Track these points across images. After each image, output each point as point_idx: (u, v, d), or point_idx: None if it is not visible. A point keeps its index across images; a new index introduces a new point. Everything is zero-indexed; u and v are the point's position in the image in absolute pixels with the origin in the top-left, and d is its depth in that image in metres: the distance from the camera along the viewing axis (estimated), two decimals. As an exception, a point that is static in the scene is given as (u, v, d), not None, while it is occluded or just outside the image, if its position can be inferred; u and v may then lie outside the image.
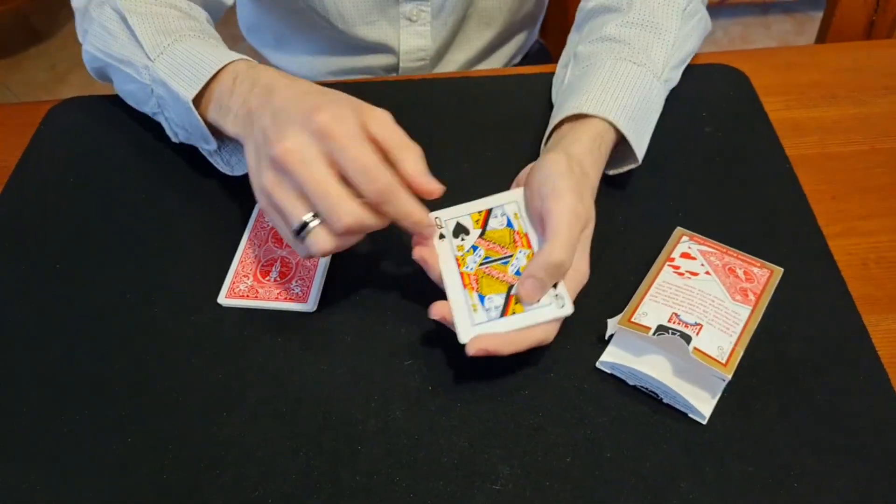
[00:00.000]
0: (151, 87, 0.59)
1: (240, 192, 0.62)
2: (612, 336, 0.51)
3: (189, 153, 0.64)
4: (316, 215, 0.47)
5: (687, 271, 0.51)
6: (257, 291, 0.55)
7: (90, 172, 0.65)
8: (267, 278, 0.56)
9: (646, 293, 0.51)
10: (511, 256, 0.50)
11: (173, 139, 0.62)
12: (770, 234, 0.57)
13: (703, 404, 0.47)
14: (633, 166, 0.59)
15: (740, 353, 0.47)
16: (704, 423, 0.47)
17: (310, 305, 0.54)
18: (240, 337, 0.53)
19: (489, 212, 0.53)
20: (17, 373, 0.52)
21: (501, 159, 0.64)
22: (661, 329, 0.48)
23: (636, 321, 0.49)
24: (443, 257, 0.51)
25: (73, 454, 0.48)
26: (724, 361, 0.46)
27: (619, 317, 0.50)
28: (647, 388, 0.49)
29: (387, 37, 0.77)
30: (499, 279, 0.49)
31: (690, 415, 0.48)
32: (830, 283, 0.54)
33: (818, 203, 0.59)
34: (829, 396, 0.48)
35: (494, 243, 0.51)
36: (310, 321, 0.54)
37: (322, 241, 0.47)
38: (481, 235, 0.52)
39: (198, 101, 0.56)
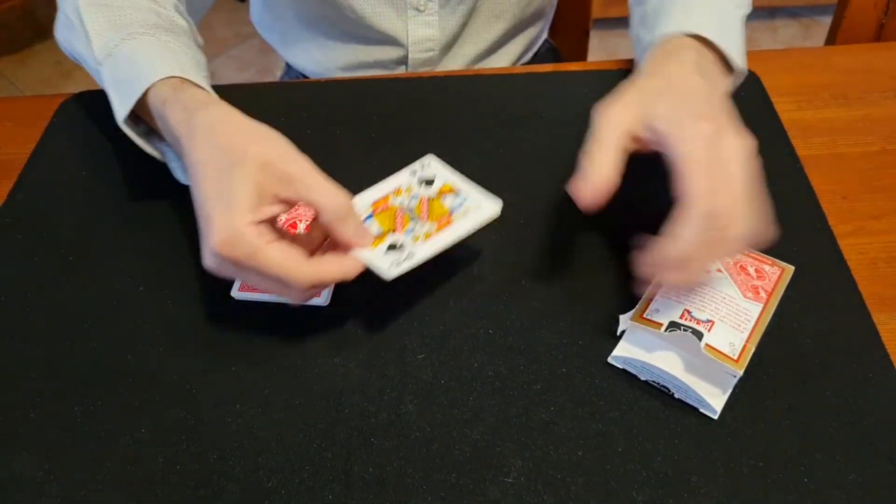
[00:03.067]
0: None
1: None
2: (623, 332, 0.51)
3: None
4: None
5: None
6: (270, 285, 0.55)
7: (103, 165, 0.65)
8: (279, 272, 0.56)
9: (658, 290, 0.51)
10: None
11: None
12: (780, 233, 0.57)
13: (714, 399, 0.47)
14: (740, 78, 0.58)
15: (752, 349, 0.47)
16: (716, 417, 0.48)
17: (323, 300, 0.54)
18: (252, 330, 0.53)
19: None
20: (31, 364, 0.52)
21: (511, 156, 0.64)
22: (673, 325, 0.48)
23: (648, 318, 0.49)
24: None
25: (87, 445, 0.48)
26: (735, 358, 0.47)
27: (630, 313, 0.50)
28: (658, 383, 0.49)
29: (395, 27, 0.77)
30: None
31: (702, 409, 0.48)
32: (841, 282, 0.54)
33: (828, 203, 0.59)
34: (839, 393, 0.49)
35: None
36: (323, 315, 0.54)
37: (292, 300, 0.50)
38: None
39: (143, 105, 0.55)
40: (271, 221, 0.48)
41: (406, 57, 0.80)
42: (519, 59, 0.90)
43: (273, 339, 0.53)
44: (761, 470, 0.45)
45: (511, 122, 0.67)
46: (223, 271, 0.47)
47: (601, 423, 0.48)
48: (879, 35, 0.87)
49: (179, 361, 0.52)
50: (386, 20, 0.76)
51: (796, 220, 0.58)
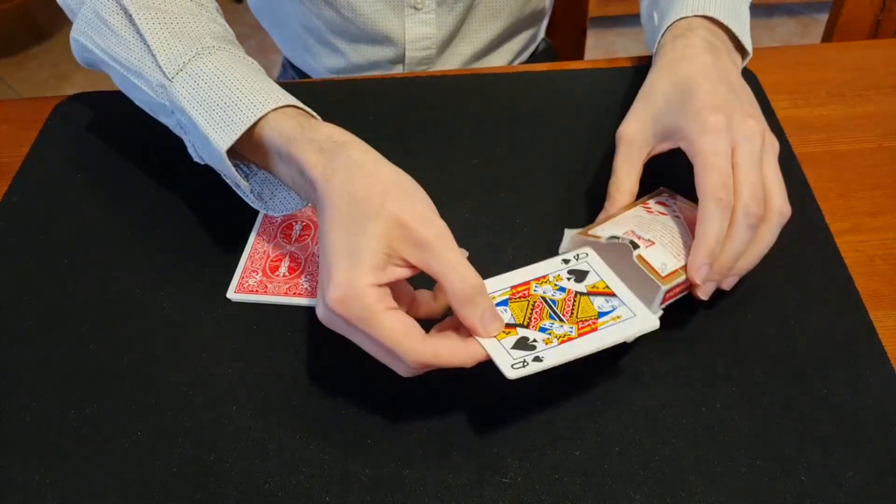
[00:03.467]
0: (171, 108, 0.53)
1: (248, 188, 0.62)
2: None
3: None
4: None
5: (657, 211, 0.52)
6: (266, 286, 0.55)
7: (98, 168, 0.65)
8: (276, 273, 0.56)
9: (609, 219, 0.52)
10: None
11: (196, 159, 0.55)
12: (777, 230, 0.57)
13: (643, 312, 0.47)
14: (746, 61, 0.60)
15: (682, 275, 0.48)
16: (652, 326, 0.46)
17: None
18: (249, 331, 0.53)
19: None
20: (26, 367, 0.52)
21: (509, 155, 0.64)
22: (613, 238, 0.49)
23: (592, 233, 0.50)
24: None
25: (83, 448, 0.48)
26: (663, 275, 0.47)
27: (576, 230, 0.51)
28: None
29: (392, 26, 0.77)
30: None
31: (637, 326, 0.46)
32: (838, 280, 0.54)
33: (825, 200, 0.59)
34: (836, 391, 0.49)
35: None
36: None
37: (401, 372, 0.46)
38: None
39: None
40: (393, 286, 0.45)
41: (403, 56, 0.80)
42: (516, 57, 0.90)
43: (269, 340, 0.53)
44: (758, 468, 0.45)
45: (509, 122, 0.67)
46: (335, 327, 0.45)
47: (598, 422, 0.48)
48: (876, 32, 0.87)
49: (176, 363, 0.52)
50: (383, 18, 0.76)
51: (793, 218, 0.58)
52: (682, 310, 0.53)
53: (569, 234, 0.51)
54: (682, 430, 0.47)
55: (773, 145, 0.51)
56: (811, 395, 0.48)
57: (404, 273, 0.44)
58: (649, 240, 0.49)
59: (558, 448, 0.47)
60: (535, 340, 0.45)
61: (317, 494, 0.45)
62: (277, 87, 0.51)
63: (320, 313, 0.45)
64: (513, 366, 0.43)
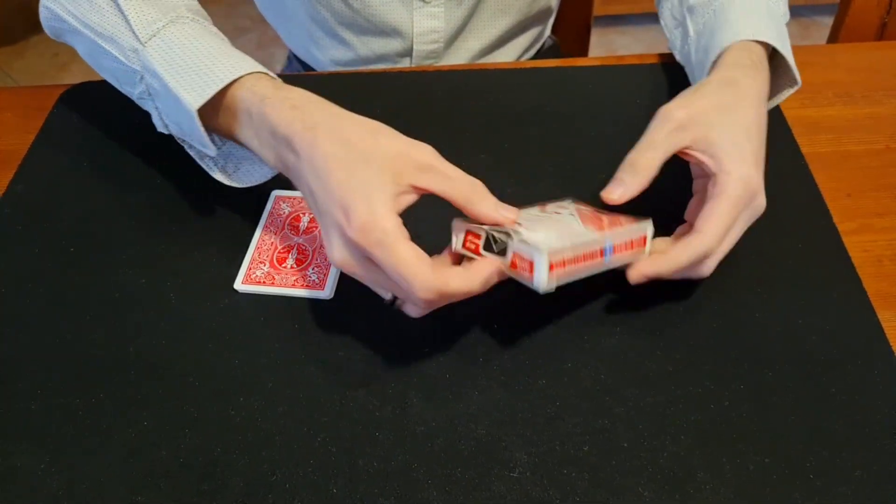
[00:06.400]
0: (142, 73, 0.54)
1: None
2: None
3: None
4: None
5: (552, 211, 0.51)
6: (273, 278, 0.55)
7: (104, 157, 0.65)
8: (283, 265, 0.56)
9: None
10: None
11: (160, 129, 0.57)
12: (785, 230, 0.57)
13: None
14: (793, 90, 0.60)
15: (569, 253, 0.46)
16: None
17: (326, 293, 0.54)
18: (256, 323, 0.53)
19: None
20: (32, 355, 0.52)
21: (517, 151, 0.64)
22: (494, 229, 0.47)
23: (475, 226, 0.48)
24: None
25: (89, 437, 0.48)
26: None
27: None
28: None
29: (400, 18, 0.77)
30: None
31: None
32: (845, 280, 0.54)
33: (833, 200, 0.59)
34: (844, 391, 0.49)
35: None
36: (326, 308, 0.54)
37: (412, 312, 0.48)
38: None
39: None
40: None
41: (410, 49, 0.80)
42: (523, 54, 0.90)
43: (276, 331, 0.52)
44: (767, 466, 0.45)
45: (516, 117, 0.67)
46: (350, 264, 0.46)
47: (607, 418, 0.48)
48: (882, 34, 0.87)
49: (182, 353, 0.51)
50: (391, 10, 0.76)
51: (801, 218, 0.58)
52: (689, 308, 0.53)
53: (455, 225, 0.49)
54: (691, 428, 0.47)
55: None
56: (819, 395, 0.48)
57: (413, 199, 0.46)
58: (534, 229, 0.47)
59: (566, 443, 0.47)
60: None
61: (324, 486, 0.45)
62: (251, 58, 0.53)
63: (336, 254, 0.46)
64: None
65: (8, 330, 0.53)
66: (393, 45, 0.80)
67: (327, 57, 0.83)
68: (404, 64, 0.82)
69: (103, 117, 0.68)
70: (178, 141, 0.58)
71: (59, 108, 0.70)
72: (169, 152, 0.64)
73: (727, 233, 0.49)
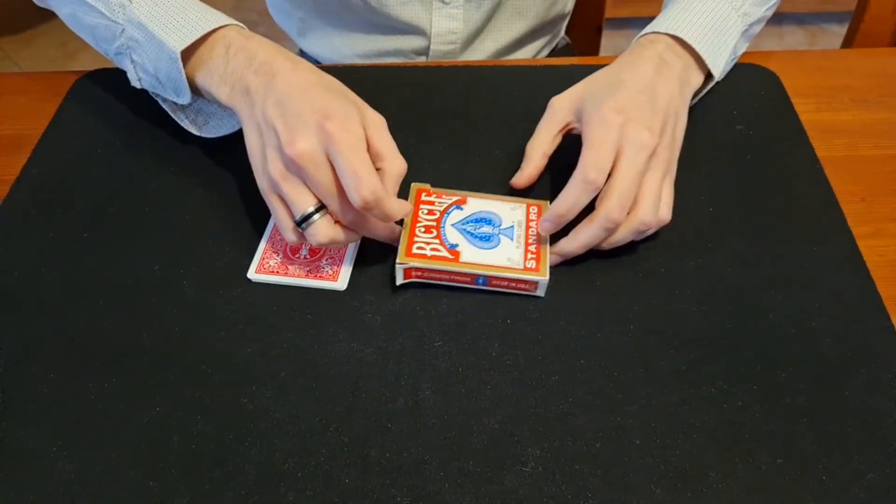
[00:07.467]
0: (124, 27, 0.57)
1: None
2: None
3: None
4: (319, 208, 0.50)
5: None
6: (287, 268, 0.55)
7: (118, 142, 0.65)
8: (297, 255, 0.56)
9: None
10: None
11: (134, 84, 0.61)
12: (800, 233, 0.57)
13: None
14: (711, 84, 0.62)
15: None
16: None
17: (340, 284, 0.54)
18: (269, 312, 0.53)
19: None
20: (45, 340, 0.52)
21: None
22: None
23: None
24: None
25: (100, 422, 0.48)
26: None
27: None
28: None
29: (418, 18, 0.77)
30: None
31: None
32: (859, 283, 0.54)
33: (847, 204, 0.59)
34: (857, 394, 0.49)
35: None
36: (340, 300, 0.54)
37: (322, 231, 0.50)
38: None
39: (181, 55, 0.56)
40: None
41: (427, 48, 0.80)
42: (537, 55, 0.90)
43: (289, 321, 0.52)
44: (779, 467, 0.45)
45: (530, 114, 0.67)
46: (313, 159, 0.48)
47: (619, 415, 0.48)
48: (896, 41, 0.87)
49: (195, 341, 0.51)
50: (410, 10, 0.76)
51: (815, 220, 0.58)
52: (703, 308, 0.53)
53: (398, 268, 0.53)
54: (703, 427, 0.47)
55: (666, 162, 0.54)
56: (832, 397, 0.48)
57: (364, 138, 0.50)
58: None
59: (579, 440, 0.47)
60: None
61: (336, 476, 0.45)
62: (233, 19, 0.58)
63: (304, 145, 0.48)
64: None
65: (21, 315, 0.53)
66: (410, 43, 0.80)
67: (341, 55, 0.83)
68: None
69: (118, 104, 0.68)
70: (152, 95, 0.62)
71: (73, 94, 0.70)
72: (184, 141, 0.64)
73: (605, 164, 0.51)
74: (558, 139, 0.59)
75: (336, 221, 0.51)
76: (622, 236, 0.53)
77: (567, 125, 0.58)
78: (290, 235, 0.52)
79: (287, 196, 0.50)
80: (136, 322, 0.52)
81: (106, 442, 0.47)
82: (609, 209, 0.51)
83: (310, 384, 0.49)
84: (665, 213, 0.53)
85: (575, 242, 0.53)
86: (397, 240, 0.54)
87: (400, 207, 0.50)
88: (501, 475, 0.45)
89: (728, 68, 0.63)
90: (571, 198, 0.51)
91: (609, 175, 0.51)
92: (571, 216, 0.52)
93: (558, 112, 0.58)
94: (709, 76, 0.61)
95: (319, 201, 0.50)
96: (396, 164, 0.51)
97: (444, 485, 0.45)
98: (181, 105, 0.61)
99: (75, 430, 0.47)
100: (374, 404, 0.48)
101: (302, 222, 0.50)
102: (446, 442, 0.47)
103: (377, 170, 0.50)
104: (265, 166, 0.51)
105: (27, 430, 0.47)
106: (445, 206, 0.56)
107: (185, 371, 0.50)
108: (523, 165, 0.59)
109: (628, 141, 0.51)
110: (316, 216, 0.50)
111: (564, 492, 0.44)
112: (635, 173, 0.51)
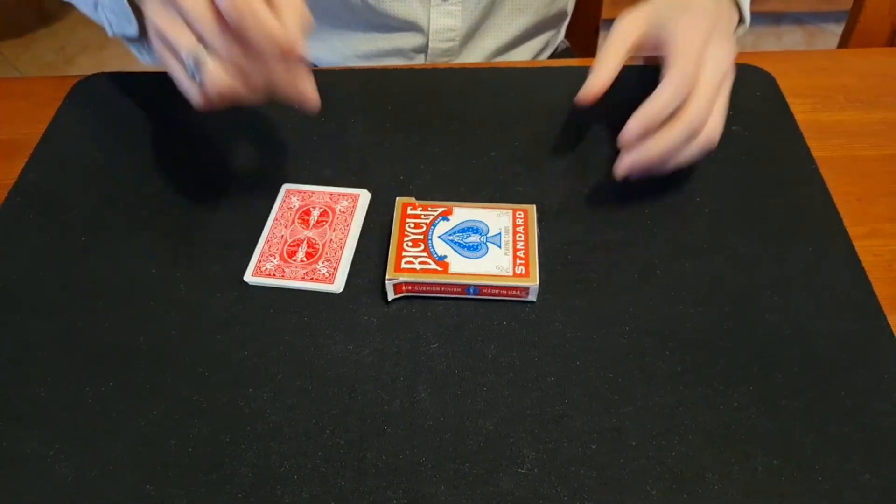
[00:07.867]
0: None
1: (268, 170, 0.62)
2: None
3: (215, 129, 0.64)
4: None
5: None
6: (283, 271, 0.55)
7: (115, 147, 0.65)
8: (293, 258, 0.56)
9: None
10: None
11: (109, 34, 0.65)
12: (796, 233, 0.57)
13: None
14: (740, 32, 0.65)
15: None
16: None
17: (336, 286, 0.54)
18: (265, 315, 0.53)
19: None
20: (42, 343, 0.52)
21: (529, 149, 0.64)
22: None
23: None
24: None
25: (98, 425, 0.48)
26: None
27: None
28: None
29: (416, 15, 0.77)
30: None
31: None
32: (856, 284, 0.54)
33: (844, 204, 0.59)
34: (854, 395, 0.49)
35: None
36: (336, 302, 0.54)
37: (217, 76, 0.47)
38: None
39: None
40: None
41: (426, 46, 0.80)
42: (537, 56, 0.90)
43: (286, 324, 0.52)
44: (776, 468, 0.45)
45: (529, 116, 0.67)
46: None
47: (615, 417, 0.48)
48: (893, 41, 0.87)
49: (192, 344, 0.51)
50: (408, 7, 0.76)
51: (812, 221, 0.58)
52: (700, 309, 0.53)
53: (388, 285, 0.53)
54: (699, 429, 0.47)
55: (728, 87, 0.56)
56: (829, 398, 0.48)
57: None
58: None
59: (574, 441, 0.47)
60: None
61: (332, 479, 0.45)
62: None
63: None
64: None
65: (18, 317, 0.53)
66: (409, 41, 0.80)
67: (340, 54, 0.83)
68: (419, 61, 0.82)
69: (115, 108, 0.68)
70: (127, 46, 0.67)
71: (71, 99, 0.70)
72: (180, 144, 0.64)
73: (694, 72, 0.52)
74: (630, 53, 0.58)
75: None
76: (691, 152, 0.54)
77: (636, 42, 0.58)
78: (188, 88, 0.49)
79: (168, 38, 0.48)
80: (133, 325, 0.52)
81: (102, 445, 0.47)
82: (692, 117, 0.52)
83: (306, 386, 0.49)
84: (717, 136, 0.55)
85: (660, 143, 0.53)
86: (312, 101, 0.50)
87: (290, 25, 0.46)
88: (497, 477, 0.45)
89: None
90: (665, 97, 0.52)
91: None
92: (661, 119, 0.53)
93: (631, 24, 0.58)
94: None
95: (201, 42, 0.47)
96: (290, 9, 0.47)
97: (440, 487, 0.45)
98: (144, 41, 0.64)
99: (72, 432, 0.47)
100: (371, 406, 0.48)
101: (194, 72, 0.48)
102: (442, 444, 0.47)
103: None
104: (150, 18, 0.49)
105: (24, 432, 0.47)
106: (431, 218, 0.56)
107: (181, 373, 0.50)
108: (596, 70, 0.57)
109: (710, 55, 0.53)
110: (205, 60, 0.47)
111: (560, 493, 0.44)
112: (714, 87, 0.53)
